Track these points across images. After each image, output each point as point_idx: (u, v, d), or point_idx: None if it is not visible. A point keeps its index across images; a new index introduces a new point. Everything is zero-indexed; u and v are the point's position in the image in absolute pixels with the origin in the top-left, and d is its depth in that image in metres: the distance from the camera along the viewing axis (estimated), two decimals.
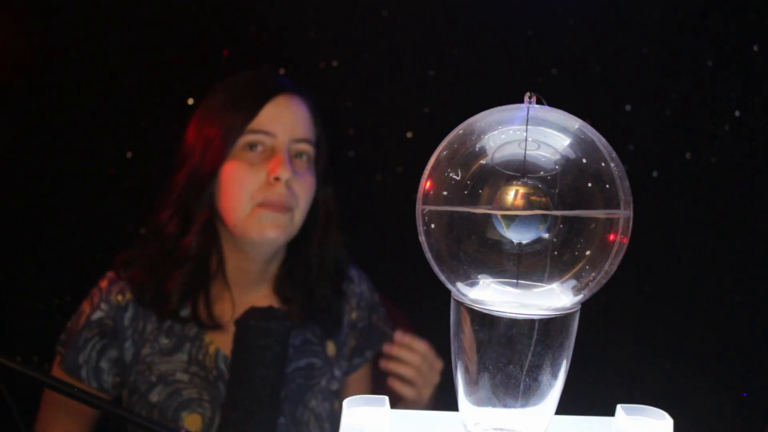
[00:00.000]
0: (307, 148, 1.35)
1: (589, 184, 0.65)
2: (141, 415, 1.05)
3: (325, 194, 1.42)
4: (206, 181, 1.31)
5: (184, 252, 1.32)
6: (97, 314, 1.34)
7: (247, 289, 1.40)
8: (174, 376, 1.32)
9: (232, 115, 1.30)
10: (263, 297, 1.42)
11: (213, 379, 1.33)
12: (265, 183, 1.30)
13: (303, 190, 1.34)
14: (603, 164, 0.65)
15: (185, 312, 1.34)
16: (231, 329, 1.27)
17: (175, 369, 1.32)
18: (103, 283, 1.37)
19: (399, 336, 1.34)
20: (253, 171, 1.30)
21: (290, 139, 1.32)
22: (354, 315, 1.50)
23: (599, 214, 0.65)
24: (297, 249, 1.41)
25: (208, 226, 1.34)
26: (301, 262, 1.42)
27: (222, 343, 1.34)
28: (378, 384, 1.59)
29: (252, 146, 1.31)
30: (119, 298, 1.35)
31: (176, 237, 1.33)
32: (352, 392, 1.50)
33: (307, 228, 1.39)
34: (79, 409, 1.33)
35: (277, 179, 1.29)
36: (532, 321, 0.66)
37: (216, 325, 1.35)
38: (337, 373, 1.45)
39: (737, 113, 1.65)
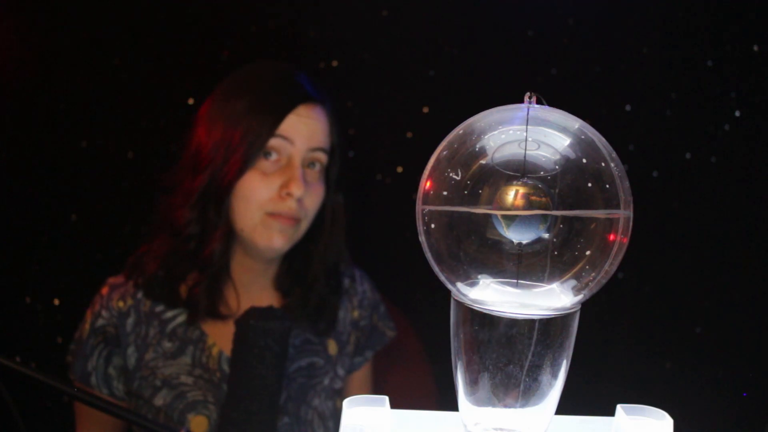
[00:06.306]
0: (321, 156, 1.35)
1: (589, 184, 0.65)
2: (139, 414, 1.06)
3: (334, 201, 1.42)
4: (227, 190, 1.31)
5: (208, 260, 1.33)
6: (100, 321, 1.35)
7: (249, 286, 1.41)
8: (178, 379, 1.32)
9: (256, 126, 1.29)
10: (265, 293, 1.43)
11: (217, 381, 1.33)
12: (276, 195, 1.30)
13: (312, 202, 1.34)
14: (603, 164, 0.65)
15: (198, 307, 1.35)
16: (233, 329, 1.27)
17: (179, 372, 1.33)
18: (104, 290, 1.37)
19: None
20: (265, 182, 1.30)
21: (307, 148, 1.32)
22: (356, 314, 1.51)
23: (599, 214, 0.65)
24: (300, 249, 1.41)
25: (228, 234, 1.34)
26: (303, 261, 1.42)
27: (225, 344, 1.35)
28: (378, 384, 1.59)
29: (267, 153, 1.30)
30: (120, 304, 1.35)
31: (196, 237, 1.33)
32: (353, 391, 1.51)
33: (312, 231, 1.39)
34: (109, 419, 1.34)
35: (289, 194, 1.29)
36: (532, 321, 0.66)
37: (224, 317, 1.35)
38: (341, 371, 1.46)
39: (737, 113, 1.65)
